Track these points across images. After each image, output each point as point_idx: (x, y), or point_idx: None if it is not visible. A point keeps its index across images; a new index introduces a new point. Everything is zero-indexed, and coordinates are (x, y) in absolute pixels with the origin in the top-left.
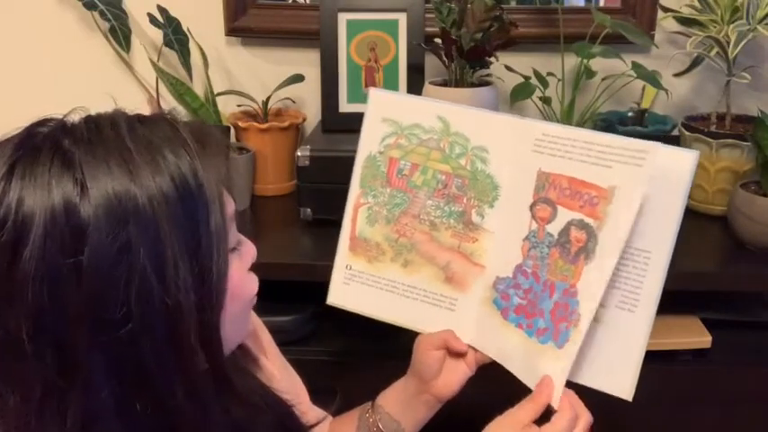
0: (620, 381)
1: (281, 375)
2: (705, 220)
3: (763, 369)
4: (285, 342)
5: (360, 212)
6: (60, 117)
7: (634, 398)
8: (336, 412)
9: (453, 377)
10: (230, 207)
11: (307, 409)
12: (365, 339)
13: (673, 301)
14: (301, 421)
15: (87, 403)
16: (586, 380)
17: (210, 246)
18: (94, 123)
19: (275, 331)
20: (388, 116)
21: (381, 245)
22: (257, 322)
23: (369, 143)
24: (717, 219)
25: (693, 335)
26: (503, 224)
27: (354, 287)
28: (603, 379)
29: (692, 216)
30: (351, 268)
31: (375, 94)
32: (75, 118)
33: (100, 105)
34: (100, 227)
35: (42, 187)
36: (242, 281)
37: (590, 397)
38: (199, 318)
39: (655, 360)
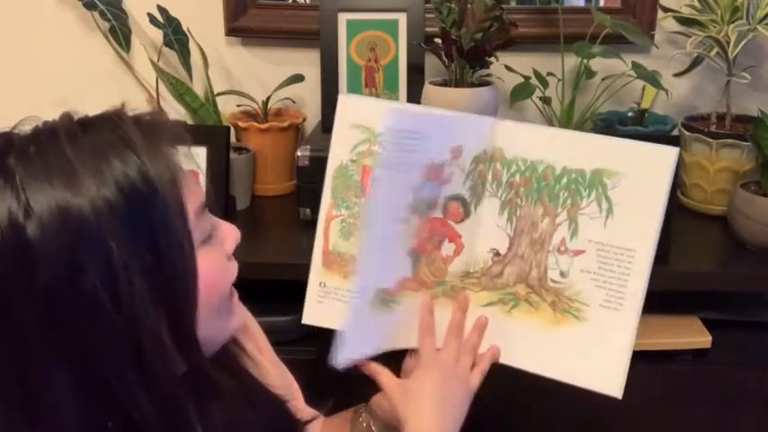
0: (609, 379)
1: (275, 372)
2: (705, 220)
3: (763, 369)
4: (282, 342)
5: (333, 225)
6: (8, 131)
7: (634, 398)
8: (330, 413)
9: None
10: (196, 198)
11: (302, 407)
12: None
13: (673, 301)
14: (297, 417)
15: (56, 420)
16: (575, 379)
17: (171, 247)
18: (36, 136)
19: (272, 331)
20: (359, 122)
21: None
22: (249, 319)
23: (339, 152)
24: (717, 219)
25: (693, 335)
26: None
27: (329, 304)
28: (592, 378)
29: (691, 216)
30: (324, 285)
31: (344, 100)
32: (25, 130)
33: (100, 106)
34: (47, 245)
35: None
36: (218, 273)
37: (585, 398)
38: (169, 323)
39: (655, 360)
